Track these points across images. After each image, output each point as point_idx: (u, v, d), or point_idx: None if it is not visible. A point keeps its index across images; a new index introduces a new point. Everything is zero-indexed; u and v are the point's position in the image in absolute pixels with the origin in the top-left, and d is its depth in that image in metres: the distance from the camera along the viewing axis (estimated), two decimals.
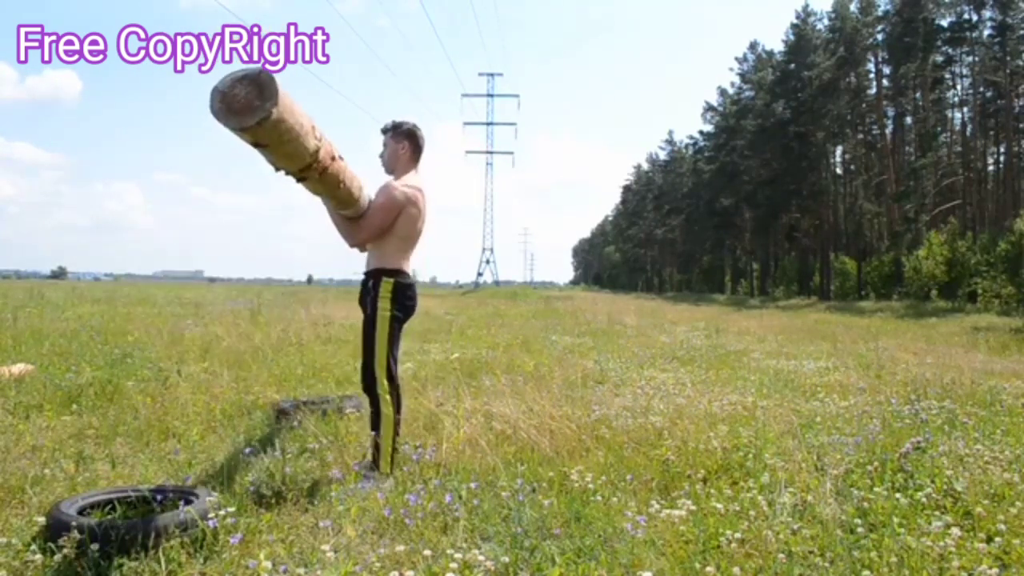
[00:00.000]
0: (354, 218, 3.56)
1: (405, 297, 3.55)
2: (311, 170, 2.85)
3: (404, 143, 3.66)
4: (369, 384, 3.50)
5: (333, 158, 2.96)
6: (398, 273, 3.56)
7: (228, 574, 2.39)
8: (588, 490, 3.07)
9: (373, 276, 3.54)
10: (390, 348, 3.50)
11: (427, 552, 2.35)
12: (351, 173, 3.22)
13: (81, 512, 2.71)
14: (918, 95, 38.95)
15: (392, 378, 3.49)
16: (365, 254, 3.68)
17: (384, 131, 3.71)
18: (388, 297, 3.49)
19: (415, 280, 3.76)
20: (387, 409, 3.42)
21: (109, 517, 2.83)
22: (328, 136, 2.93)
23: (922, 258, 29.89)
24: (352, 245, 3.67)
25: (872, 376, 6.95)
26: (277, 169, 2.83)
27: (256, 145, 2.56)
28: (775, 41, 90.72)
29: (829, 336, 12.87)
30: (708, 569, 2.25)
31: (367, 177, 3.51)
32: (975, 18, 36.37)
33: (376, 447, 3.40)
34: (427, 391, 5.17)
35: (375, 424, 3.44)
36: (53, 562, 2.34)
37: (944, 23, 37.52)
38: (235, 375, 6.14)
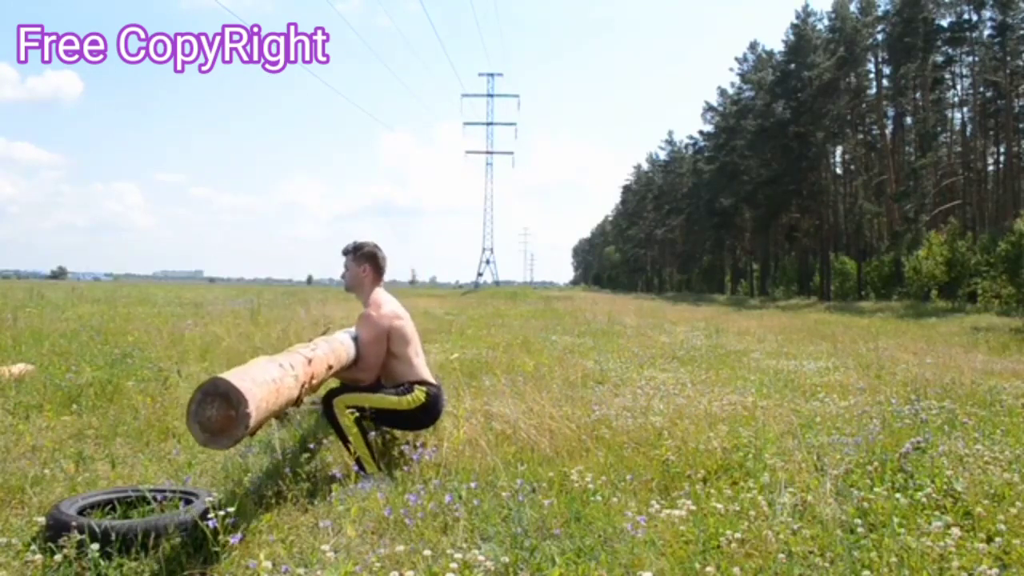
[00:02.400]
0: (351, 366, 3.59)
1: (433, 406, 3.58)
2: (302, 397, 2.97)
3: (365, 266, 3.72)
4: (326, 406, 3.47)
5: (312, 377, 3.02)
6: (424, 383, 3.60)
7: (228, 574, 2.39)
8: (588, 490, 3.07)
9: (406, 386, 3.57)
10: (365, 409, 3.44)
11: (427, 552, 2.35)
12: (325, 354, 3.25)
13: (81, 512, 2.71)
14: (918, 95, 38.94)
15: (359, 420, 3.46)
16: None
17: (345, 253, 3.76)
18: (418, 401, 3.52)
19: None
20: (344, 419, 3.40)
21: (109, 517, 2.83)
22: (295, 349, 3.06)
23: (922, 258, 29.88)
24: (368, 385, 3.67)
25: (872, 376, 6.95)
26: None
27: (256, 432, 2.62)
28: (775, 41, 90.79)
29: (829, 336, 12.87)
30: (708, 569, 2.25)
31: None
32: (975, 18, 36.39)
33: (355, 455, 3.40)
34: None
35: (342, 436, 3.43)
36: (53, 562, 2.34)
37: (944, 23, 37.56)
38: None
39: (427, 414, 3.60)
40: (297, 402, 2.96)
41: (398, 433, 3.94)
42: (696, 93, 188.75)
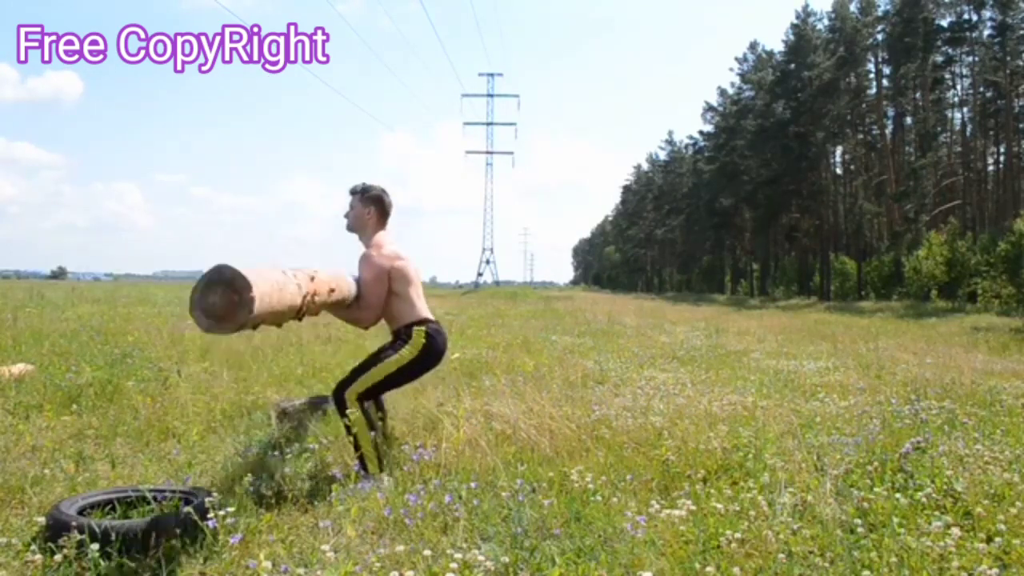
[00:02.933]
0: (351, 305, 3.58)
1: (435, 345, 3.57)
2: (303, 312, 2.95)
3: (371, 208, 3.69)
4: (339, 390, 3.50)
5: (313, 286, 3.01)
6: (425, 322, 3.59)
7: (228, 574, 2.39)
8: (588, 490, 3.07)
9: (403, 332, 3.56)
10: (382, 384, 3.50)
11: (427, 552, 2.35)
12: (327, 277, 3.25)
13: (81, 512, 2.72)
14: (918, 95, 38.95)
15: (362, 399, 3.46)
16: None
17: (352, 192, 3.73)
18: (419, 346, 3.51)
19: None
20: (355, 414, 3.41)
21: (109, 517, 2.83)
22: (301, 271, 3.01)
23: (922, 258, 29.88)
24: (367, 327, 3.70)
25: (872, 376, 6.95)
26: (280, 326, 2.95)
27: (258, 325, 2.62)
28: (775, 41, 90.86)
29: (829, 336, 12.87)
30: (708, 569, 2.25)
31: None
32: (975, 18, 36.41)
33: (358, 450, 3.40)
34: (427, 391, 5.16)
35: (348, 430, 3.44)
36: (53, 562, 2.34)
37: (944, 23, 37.58)
38: (235, 375, 6.14)
39: (431, 355, 3.58)
40: (299, 315, 2.93)
41: (398, 432, 3.94)
42: (696, 93, 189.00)
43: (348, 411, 3.39)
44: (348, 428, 3.41)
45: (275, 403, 4.98)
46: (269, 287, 2.55)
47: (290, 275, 2.84)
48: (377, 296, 3.53)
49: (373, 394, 3.55)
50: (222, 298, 2.39)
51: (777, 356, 9.00)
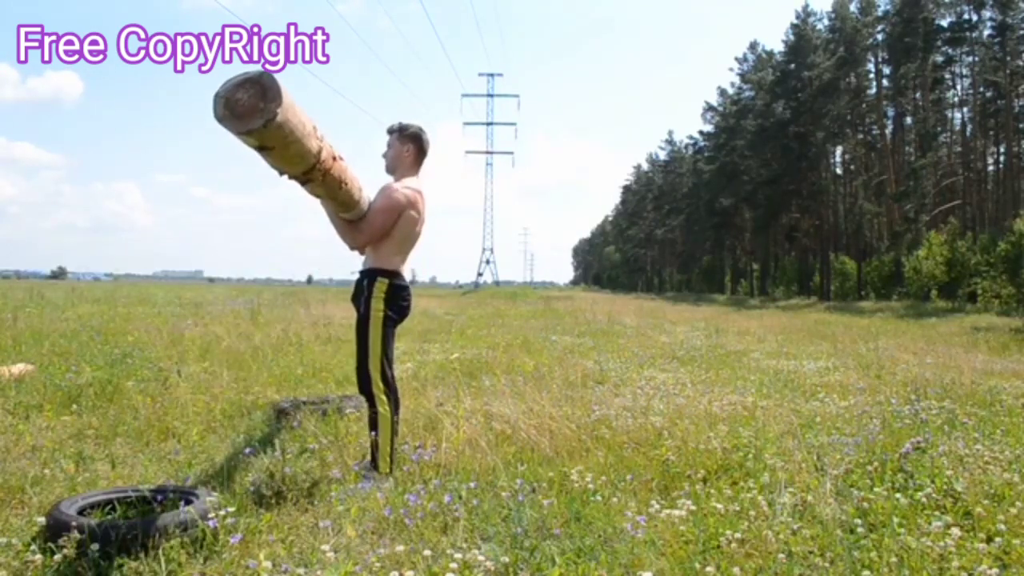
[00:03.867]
0: (354, 221, 3.55)
1: (399, 298, 3.54)
2: (315, 171, 2.84)
3: (409, 146, 3.64)
4: (364, 384, 3.49)
5: (335, 158, 2.96)
6: (393, 275, 3.54)
7: (228, 574, 2.39)
8: (588, 490, 3.07)
9: (368, 276, 3.53)
10: (384, 348, 3.50)
11: (427, 552, 2.35)
12: (352, 174, 3.21)
13: (81, 512, 2.71)
14: (918, 95, 38.95)
15: (386, 377, 3.47)
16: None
17: (390, 131, 3.68)
18: (382, 297, 3.48)
19: (411, 281, 3.74)
20: (383, 409, 3.41)
21: (109, 517, 2.83)
22: (328, 138, 2.93)
23: (922, 258, 29.88)
24: (353, 248, 3.66)
25: (872, 376, 6.95)
26: (281, 173, 2.83)
27: (261, 149, 2.56)
28: (775, 41, 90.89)
29: (829, 336, 12.87)
30: (708, 569, 2.25)
31: (367, 178, 3.51)
32: (975, 18, 36.41)
33: (375, 448, 3.40)
34: (427, 391, 5.17)
35: (373, 424, 3.44)
36: (53, 562, 2.34)
37: (944, 23, 37.59)
38: (235, 375, 6.14)
39: (398, 303, 3.53)
40: (308, 172, 2.83)
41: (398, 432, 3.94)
42: (696, 93, 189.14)
43: (379, 405, 3.40)
44: (373, 422, 3.41)
45: (275, 403, 4.98)
46: (297, 116, 2.51)
47: (316, 127, 2.78)
48: (380, 225, 3.49)
49: (388, 360, 3.51)
50: (250, 98, 2.36)
51: (777, 356, 9.00)
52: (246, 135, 2.41)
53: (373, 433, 3.42)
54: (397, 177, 3.63)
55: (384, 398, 3.43)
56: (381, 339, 3.48)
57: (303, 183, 2.93)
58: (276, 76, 2.40)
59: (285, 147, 2.58)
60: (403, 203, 3.49)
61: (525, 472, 3.33)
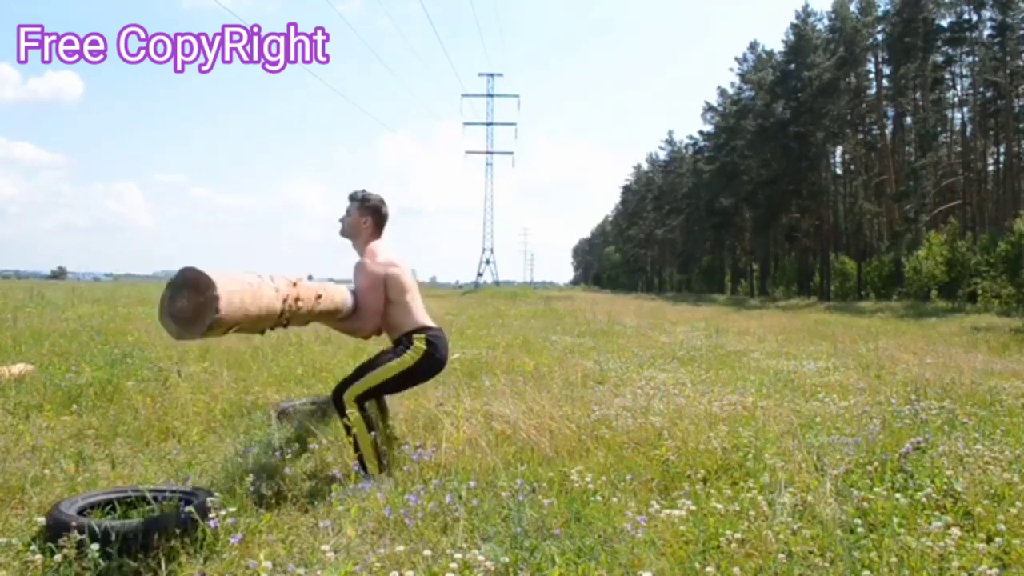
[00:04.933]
0: (350, 317, 3.57)
1: (436, 351, 3.56)
2: (283, 317, 2.89)
3: (367, 218, 3.68)
4: (338, 392, 3.50)
5: (297, 299, 2.98)
6: (424, 329, 3.58)
7: (228, 574, 2.39)
8: (588, 490, 3.07)
9: (404, 342, 3.55)
10: (382, 386, 3.50)
11: (427, 552, 2.35)
12: (319, 290, 3.23)
13: (81, 512, 2.71)
14: (918, 95, 38.95)
15: (362, 400, 3.46)
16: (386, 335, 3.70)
17: (352, 199, 3.72)
18: (420, 352, 3.51)
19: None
20: (354, 414, 3.40)
21: (109, 517, 2.83)
22: (278, 274, 2.98)
23: (922, 258, 29.88)
24: (367, 336, 3.69)
25: (872, 376, 6.95)
26: (262, 332, 2.93)
27: (231, 330, 2.59)
28: (775, 41, 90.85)
29: (829, 336, 12.86)
30: (708, 569, 2.25)
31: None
32: (975, 18, 36.40)
33: (357, 451, 3.40)
34: (427, 391, 5.16)
35: (348, 430, 3.43)
36: (53, 562, 2.34)
37: (944, 23, 37.56)
38: (235, 375, 6.14)
39: (434, 361, 3.58)
40: (282, 320, 2.89)
41: (398, 433, 3.94)
42: (696, 93, 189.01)
43: (347, 412, 3.39)
44: (348, 428, 3.41)
45: (275, 403, 4.98)
46: (239, 287, 2.51)
47: (266, 279, 2.80)
48: (375, 304, 3.53)
49: (373, 396, 3.54)
50: (189, 300, 2.37)
51: (777, 356, 9.00)
52: (210, 332, 2.43)
53: (351, 440, 3.41)
54: (358, 245, 3.67)
55: (352, 409, 3.42)
56: (385, 380, 3.49)
57: (285, 327, 3.02)
58: (193, 266, 2.42)
59: (251, 319, 2.62)
60: (380, 273, 3.53)
61: (525, 472, 3.33)
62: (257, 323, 2.74)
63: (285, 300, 2.84)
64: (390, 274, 3.55)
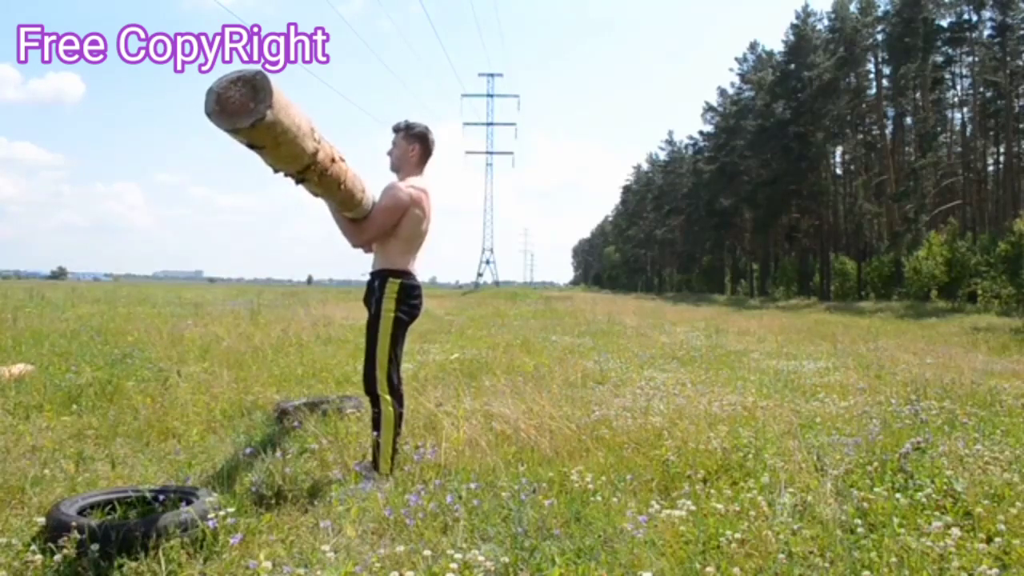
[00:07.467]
0: (357, 220, 3.55)
1: (410, 298, 3.53)
2: (310, 171, 2.83)
3: (415, 145, 3.63)
4: (369, 385, 3.48)
5: (333, 160, 2.94)
6: (404, 274, 3.53)
7: (228, 574, 2.39)
8: (588, 490, 3.07)
9: (379, 277, 3.52)
10: (392, 349, 3.49)
11: (427, 552, 2.35)
12: (353, 175, 3.20)
13: (81, 512, 2.71)
14: (918, 95, 38.93)
15: (392, 381, 3.46)
16: (371, 255, 3.67)
17: (396, 130, 3.66)
18: (393, 298, 3.47)
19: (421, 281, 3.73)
20: (387, 409, 3.41)
21: (109, 517, 2.83)
22: (328, 138, 2.92)
23: (922, 258, 29.87)
24: (355, 246, 3.65)
25: (872, 376, 6.94)
26: (276, 171, 2.82)
27: (252, 147, 2.55)
28: (775, 41, 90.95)
29: (829, 336, 12.86)
30: (708, 569, 2.25)
31: (370, 178, 3.50)
32: (975, 18, 36.37)
33: (376, 447, 3.39)
34: (427, 391, 5.17)
35: (376, 424, 3.43)
36: (53, 562, 2.34)
37: (944, 23, 37.54)
38: (235, 375, 6.14)
39: (407, 304, 3.51)
40: (305, 171, 2.81)
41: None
42: (696, 93, 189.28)
43: (383, 406, 3.39)
44: (376, 422, 3.41)
45: (275, 403, 4.98)
46: (292, 117, 2.49)
47: (313, 128, 2.74)
48: (383, 224, 3.48)
49: (395, 365, 3.50)
50: (242, 96, 2.34)
51: (777, 356, 9.00)
52: (234, 133, 2.40)
53: (375, 433, 3.41)
54: (401, 176, 3.62)
55: (388, 398, 3.42)
56: (390, 341, 3.47)
57: (298, 181, 2.92)
58: (271, 77, 2.38)
59: (276, 147, 2.57)
60: (406, 202, 3.48)
61: (525, 472, 3.33)
62: (283, 152, 2.64)
63: (316, 152, 2.76)
64: (412, 212, 3.49)
